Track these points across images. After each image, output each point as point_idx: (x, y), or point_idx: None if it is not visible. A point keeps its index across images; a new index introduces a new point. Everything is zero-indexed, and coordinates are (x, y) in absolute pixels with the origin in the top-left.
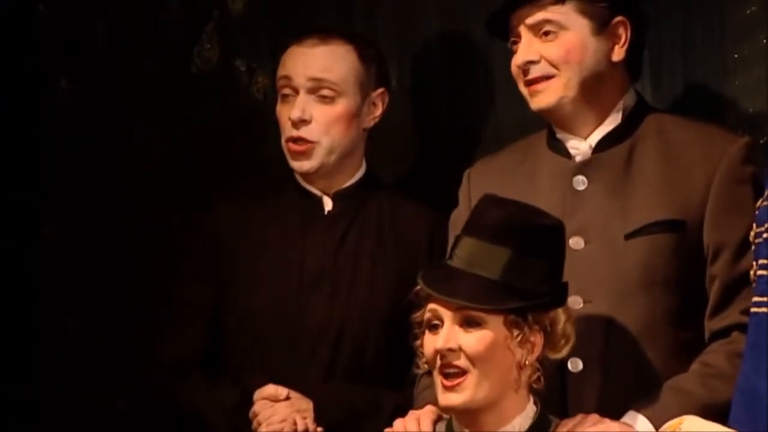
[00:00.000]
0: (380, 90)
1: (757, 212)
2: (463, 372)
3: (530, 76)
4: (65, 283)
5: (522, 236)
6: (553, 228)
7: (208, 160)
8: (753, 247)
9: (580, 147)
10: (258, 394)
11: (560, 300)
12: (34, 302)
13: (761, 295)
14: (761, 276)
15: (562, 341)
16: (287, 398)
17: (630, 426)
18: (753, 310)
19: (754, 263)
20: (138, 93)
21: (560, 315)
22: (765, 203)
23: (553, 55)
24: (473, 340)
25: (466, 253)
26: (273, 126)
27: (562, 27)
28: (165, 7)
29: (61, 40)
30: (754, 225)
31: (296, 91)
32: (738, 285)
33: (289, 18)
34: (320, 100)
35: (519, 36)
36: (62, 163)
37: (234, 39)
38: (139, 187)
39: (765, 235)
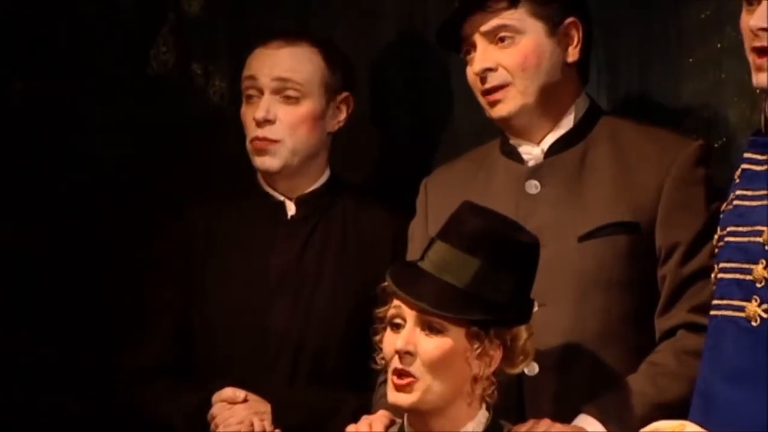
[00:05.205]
0: (345, 94)
1: (721, 216)
2: (415, 379)
3: (488, 85)
4: (23, 289)
5: (495, 248)
6: (528, 244)
7: (165, 163)
8: (716, 251)
9: (532, 152)
10: (216, 396)
11: (524, 317)
12: None
13: (721, 298)
14: (722, 279)
15: (521, 357)
16: (245, 400)
17: (582, 429)
18: (713, 312)
19: (716, 266)
20: (94, 96)
21: (522, 332)
22: (729, 207)
23: (510, 62)
24: (431, 347)
25: (438, 257)
26: (230, 129)
27: (517, 32)
28: (120, 10)
29: (15, 42)
30: (718, 229)
31: (261, 92)
32: (686, 284)
33: (246, 21)
34: (285, 101)
35: (473, 45)
36: (17, 167)
37: (190, 42)
38: (95, 190)
39: (726, 239)
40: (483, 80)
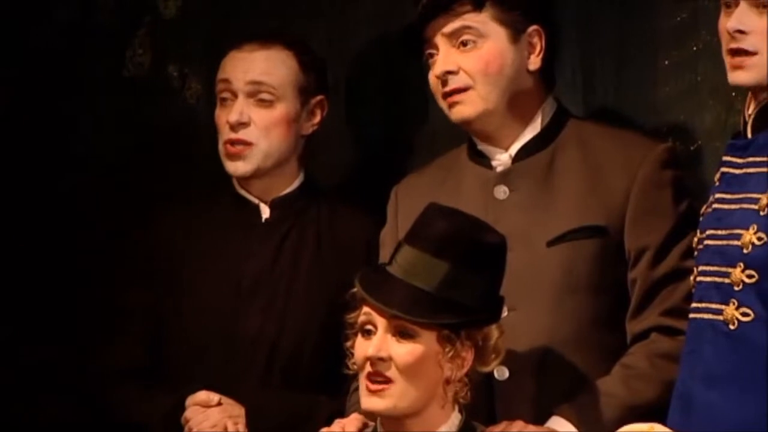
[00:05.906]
0: (319, 97)
1: (700, 218)
2: (389, 381)
3: (448, 88)
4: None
5: (463, 250)
6: (495, 244)
7: (141, 165)
8: (696, 254)
9: (500, 157)
10: (190, 400)
11: (495, 317)
12: None
13: (700, 301)
14: (701, 282)
15: (493, 356)
16: (219, 404)
17: (555, 431)
18: (692, 316)
19: (695, 269)
20: (70, 98)
21: (493, 331)
22: (708, 210)
23: (472, 66)
24: (404, 352)
25: (406, 262)
26: (206, 131)
27: (480, 35)
28: (97, 12)
29: None
30: (698, 231)
31: (235, 95)
32: (656, 287)
33: (222, 23)
34: (259, 104)
35: (436, 47)
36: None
37: (166, 44)
38: (72, 193)
39: (705, 242)
40: (444, 83)
